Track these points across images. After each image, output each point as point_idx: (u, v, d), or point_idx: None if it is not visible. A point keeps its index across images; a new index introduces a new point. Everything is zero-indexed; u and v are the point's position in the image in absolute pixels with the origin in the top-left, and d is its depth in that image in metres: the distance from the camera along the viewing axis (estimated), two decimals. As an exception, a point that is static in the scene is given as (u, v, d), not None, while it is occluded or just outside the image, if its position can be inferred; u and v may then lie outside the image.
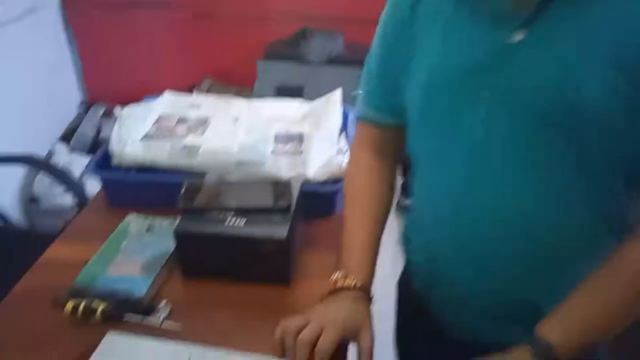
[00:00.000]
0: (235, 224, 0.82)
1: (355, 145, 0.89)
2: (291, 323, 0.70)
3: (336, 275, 0.76)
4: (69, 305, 0.78)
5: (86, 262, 0.87)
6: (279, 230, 0.81)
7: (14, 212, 2.20)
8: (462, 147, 0.68)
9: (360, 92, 0.84)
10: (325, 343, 0.67)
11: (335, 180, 0.99)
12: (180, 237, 0.82)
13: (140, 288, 0.81)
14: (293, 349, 0.68)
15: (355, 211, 0.83)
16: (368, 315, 0.73)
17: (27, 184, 2.33)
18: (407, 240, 0.88)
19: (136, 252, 0.88)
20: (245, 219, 0.82)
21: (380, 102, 0.81)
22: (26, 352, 0.74)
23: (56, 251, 0.94)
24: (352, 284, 0.74)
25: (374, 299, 0.77)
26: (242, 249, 0.82)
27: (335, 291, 0.75)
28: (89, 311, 0.77)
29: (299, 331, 0.69)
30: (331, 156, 1.01)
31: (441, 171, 0.73)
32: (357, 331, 0.70)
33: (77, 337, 0.76)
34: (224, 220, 0.82)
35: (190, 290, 0.84)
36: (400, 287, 0.97)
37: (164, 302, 0.80)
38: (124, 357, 0.71)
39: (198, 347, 0.72)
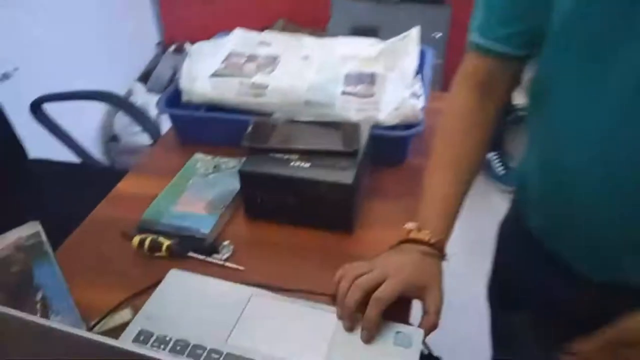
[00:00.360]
0: (300, 166, 0.79)
1: (458, 81, 0.78)
2: (352, 267, 0.68)
3: (410, 225, 0.72)
4: (136, 240, 0.79)
5: (154, 197, 0.88)
6: (345, 175, 0.77)
7: (95, 150, 2.31)
8: (624, 77, 0.58)
9: (475, 18, 0.73)
10: (383, 293, 0.64)
11: (408, 126, 0.93)
12: (244, 177, 0.81)
13: (205, 226, 0.81)
14: (346, 293, 0.66)
15: (443, 158, 0.75)
16: (438, 274, 0.69)
17: (107, 123, 2.43)
18: (521, 178, 0.81)
19: (202, 191, 0.88)
20: (310, 162, 0.80)
21: (505, 28, 0.70)
22: (94, 279, 0.77)
23: (127, 185, 0.96)
24: (426, 238, 0.70)
25: (447, 257, 0.72)
26: (305, 193, 0.79)
27: (406, 242, 0.71)
28: (155, 246, 0.79)
29: (358, 277, 0.66)
30: (404, 99, 0.95)
31: (590, 106, 0.62)
32: (423, 288, 0.66)
33: (143, 271, 0.77)
34: (289, 162, 0.80)
35: (254, 231, 0.84)
36: (506, 229, 0.90)
37: (227, 242, 0.80)
38: (186, 293, 0.72)
39: (258, 289, 0.72)
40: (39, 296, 0.72)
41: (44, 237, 0.83)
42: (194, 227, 0.81)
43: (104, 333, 0.69)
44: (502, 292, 0.92)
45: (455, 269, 0.78)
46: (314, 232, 0.82)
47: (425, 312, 0.66)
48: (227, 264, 0.77)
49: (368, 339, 0.64)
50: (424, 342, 0.66)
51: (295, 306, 0.69)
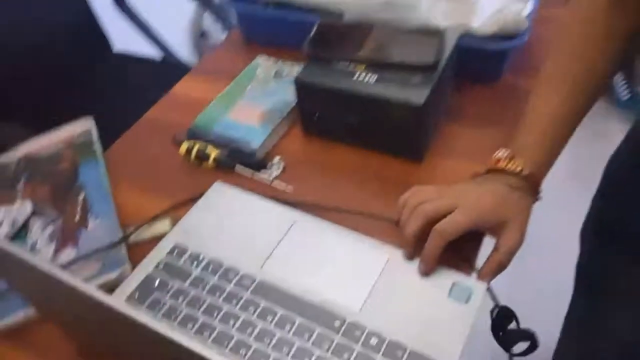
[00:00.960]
0: (366, 80, 0.68)
1: None
2: (420, 191, 0.60)
3: (501, 152, 0.61)
4: (184, 147, 0.74)
5: (210, 101, 0.82)
6: (416, 94, 0.65)
7: (186, 48, 2.30)
8: None
9: None
10: (448, 224, 0.55)
11: (507, 36, 0.78)
12: (300, 87, 0.72)
13: (256, 139, 0.74)
14: (407, 220, 0.57)
15: (558, 71, 0.61)
16: (523, 211, 0.58)
17: (197, 20, 2.39)
18: None
19: (259, 99, 0.80)
20: (378, 75, 0.68)
21: None
22: (138, 185, 0.74)
23: (185, 87, 0.91)
24: (518, 169, 0.58)
25: (540, 196, 0.60)
26: (369, 111, 0.69)
27: (493, 171, 0.60)
28: (202, 156, 0.73)
29: (424, 202, 0.58)
30: (507, 3, 0.78)
31: None
32: (500, 225, 0.56)
33: (188, 181, 0.73)
34: (353, 75, 0.69)
35: (308, 150, 0.75)
36: (617, 163, 0.76)
37: (277, 158, 0.73)
38: (227, 210, 0.67)
39: (304, 215, 0.65)
40: (81, 196, 0.70)
41: (94, 135, 0.81)
42: (245, 139, 0.74)
43: (141, 242, 0.66)
44: (602, 231, 0.78)
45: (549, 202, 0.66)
46: (377, 157, 0.72)
47: (494, 249, 0.56)
48: (275, 183, 0.70)
49: (424, 272, 0.57)
50: (489, 291, 0.57)
51: (342, 238, 0.62)
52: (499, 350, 0.56)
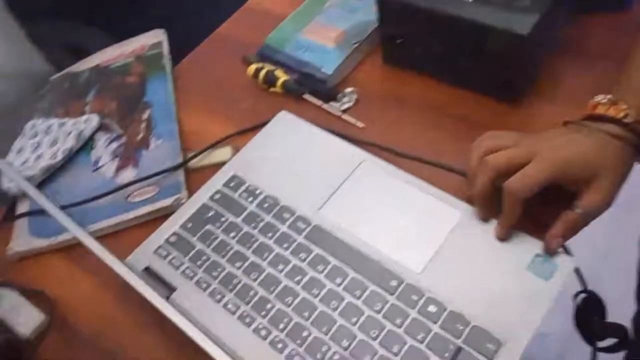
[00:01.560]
0: (462, 0, 0.58)
1: None
2: (491, 137, 0.51)
3: (600, 97, 0.50)
4: (252, 69, 0.70)
5: (286, 17, 0.75)
6: (522, 21, 0.55)
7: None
8: None
9: None
10: (521, 179, 0.47)
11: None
12: (383, 4, 0.63)
13: (330, 64, 0.67)
14: (474, 173, 0.50)
15: None
16: (620, 167, 0.48)
17: None
18: None
19: (338, 18, 0.72)
20: (477, -4, 0.58)
21: None
22: (203, 106, 0.71)
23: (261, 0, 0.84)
24: (620, 115, 0.48)
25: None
26: (462, 38, 0.59)
27: (590, 119, 0.50)
28: (270, 80, 0.68)
29: (494, 150, 0.49)
30: None
31: None
32: (588, 179, 0.47)
33: (254, 105, 0.69)
34: (447, -7, 0.59)
35: (385, 83, 0.68)
36: None
37: (350, 89, 0.66)
38: (290, 143, 0.62)
39: (372, 156, 0.58)
40: (145, 114, 0.69)
41: (165, 49, 0.78)
42: (317, 63, 0.68)
43: (200, 169, 0.64)
44: None
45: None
46: (465, 96, 0.63)
47: (571, 207, 0.48)
48: (345, 116, 0.64)
49: (500, 235, 0.50)
50: (577, 271, 0.49)
51: (412, 188, 0.55)
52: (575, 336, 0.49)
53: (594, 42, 0.65)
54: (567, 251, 0.49)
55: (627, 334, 0.47)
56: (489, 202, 0.50)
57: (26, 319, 0.55)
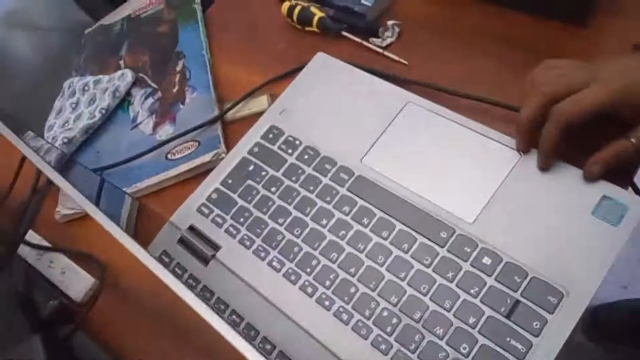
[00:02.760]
0: None
1: None
2: (550, 66, 0.47)
3: None
4: (285, 6, 0.67)
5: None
6: None
7: None
8: None
9: None
10: (572, 101, 0.43)
11: None
12: None
13: (369, -4, 0.63)
14: (524, 100, 0.46)
15: None
16: None
17: None
18: None
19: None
20: None
21: None
22: (237, 53, 0.70)
23: None
24: None
25: None
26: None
27: None
28: (305, 18, 0.65)
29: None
30: None
31: None
32: None
33: (289, 48, 0.67)
34: None
35: (432, 11, 0.63)
36: None
37: (392, 22, 0.62)
38: (329, 88, 0.60)
39: (418, 97, 0.55)
40: (179, 65, 0.68)
41: (195, -8, 0.75)
42: (355, -5, 0.63)
43: (237, 120, 0.63)
44: None
45: None
46: (524, 20, 0.58)
47: (625, 135, 0.44)
48: (387, 53, 0.60)
49: (541, 165, 0.47)
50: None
51: (464, 130, 0.52)
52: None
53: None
54: (637, 191, 0.45)
55: None
56: (533, 132, 0.46)
57: (77, 282, 0.58)
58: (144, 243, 0.59)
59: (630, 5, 0.55)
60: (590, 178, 0.45)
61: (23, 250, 0.60)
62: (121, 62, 0.74)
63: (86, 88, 0.72)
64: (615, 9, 0.55)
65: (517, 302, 0.43)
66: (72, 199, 0.62)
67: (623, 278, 1.14)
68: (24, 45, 1.13)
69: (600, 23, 0.55)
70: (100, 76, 0.72)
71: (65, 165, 0.60)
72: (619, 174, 0.46)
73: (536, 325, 0.42)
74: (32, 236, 0.62)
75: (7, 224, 0.60)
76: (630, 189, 0.46)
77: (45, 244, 0.61)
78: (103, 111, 0.68)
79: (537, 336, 0.42)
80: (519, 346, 0.42)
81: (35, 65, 1.05)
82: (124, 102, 0.70)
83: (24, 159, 0.65)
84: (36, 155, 0.42)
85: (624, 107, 0.43)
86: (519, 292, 0.44)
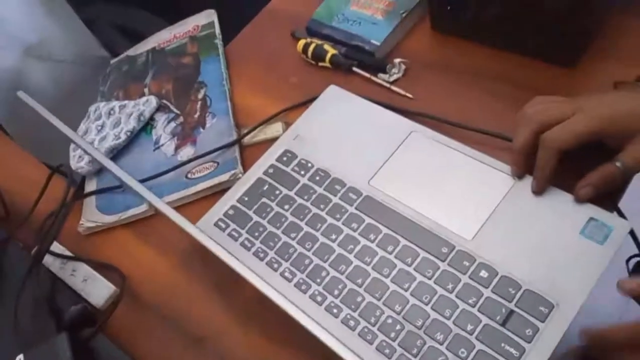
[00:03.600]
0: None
1: None
2: (540, 101, 0.52)
3: None
4: (300, 44, 0.73)
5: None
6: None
7: None
8: None
9: None
10: (560, 130, 0.48)
11: None
12: (430, -26, 0.64)
13: (378, 34, 0.69)
14: (516, 130, 0.51)
15: None
16: None
17: None
18: None
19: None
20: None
21: None
22: (255, 84, 0.75)
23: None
24: None
25: None
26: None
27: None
28: (319, 55, 0.71)
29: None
30: None
31: None
32: (631, 135, 0.48)
33: (304, 81, 0.72)
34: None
35: (435, 51, 0.69)
36: None
37: (399, 60, 0.68)
38: (339, 117, 0.65)
39: (422, 126, 0.60)
40: (201, 94, 0.73)
41: (217, 28, 0.82)
42: (365, 35, 0.70)
43: (254, 145, 0.68)
44: None
45: None
46: (519, 61, 0.63)
47: (611, 160, 0.49)
48: (394, 87, 0.66)
49: (536, 189, 0.52)
50: (634, 237, 0.50)
51: (463, 156, 0.57)
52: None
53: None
54: (621, 214, 0.50)
55: None
56: (527, 158, 0.51)
57: (98, 290, 0.62)
58: (163, 254, 0.63)
59: (614, 52, 0.61)
60: (579, 200, 0.50)
61: (48, 260, 0.64)
62: (146, 90, 0.79)
63: (112, 112, 0.77)
64: (602, 54, 0.61)
65: (512, 311, 0.47)
66: (93, 213, 0.66)
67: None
68: (44, 78, 1.18)
69: (588, 65, 0.61)
70: (126, 101, 0.77)
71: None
72: (605, 199, 0.51)
73: (529, 332, 0.46)
74: (56, 247, 0.65)
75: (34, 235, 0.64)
76: (615, 213, 0.51)
77: (68, 254, 0.65)
78: (128, 133, 0.73)
79: (529, 342, 0.46)
80: (513, 351, 0.46)
81: (52, 96, 1.10)
82: (147, 126, 0.75)
83: (50, 176, 0.70)
84: (98, 152, 0.46)
85: (608, 134, 0.48)
86: (513, 302, 0.48)
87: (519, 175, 0.53)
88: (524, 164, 0.52)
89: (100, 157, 0.47)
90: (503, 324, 0.47)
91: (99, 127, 0.76)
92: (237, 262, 0.44)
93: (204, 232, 0.47)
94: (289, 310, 0.41)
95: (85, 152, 0.56)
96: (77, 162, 0.72)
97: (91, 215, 0.68)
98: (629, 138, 0.48)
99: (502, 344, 0.46)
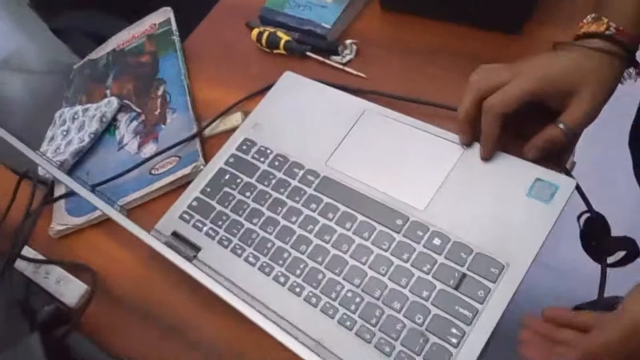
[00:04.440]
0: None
1: None
2: (484, 69, 0.53)
3: (588, 17, 0.52)
4: (254, 33, 0.74)
5: (285, -21, 0.78)
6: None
7: None
8: None
9: None
10: (500, 95, 0.50)
11: None
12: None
13: (328, 18, 0.70)
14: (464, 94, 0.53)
15: None
16: (603, 80, 0.49)
17: None
18: None
19: (334, -29, 0.75)
20: None
21: None
22: (213, 77, 0.76)
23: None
24: (601, 29, 0.50)
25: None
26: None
27: (577, 38, 0.52)
28: (273, 42, 0.72)
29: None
30: None
31: None
32: (569, 94, 0.49)
33: (260, 69, 0.73)
34: None
35: (385, 30, 0.70)
36: None
37: (350, 41, 0.69)
38: (295, 102, 0.66)
39: (374, 105, 0.62)
40: (160, 90, 0.74)
41: (174, 25, 0.82)
42: (316, 20, 0.71)
43: (215, 136, 0.69)
44: None
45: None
46: (465, 31, 0.65)
47: (553, 122, 0.50)
48: (347, 68, 0.67)
49: (483, 155, 0.54)
50: (581, 194, 0.51)
51: (414, 130, 0.58)
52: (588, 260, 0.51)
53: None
54: (567, 173, 0.51)
55: (635, 244, 0.49)
56: (472, 126, 0.53)
57: (71, 290, 0.63)
58: (132, 250, 0.65)
59: (557, 16, 0.62)
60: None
61: (20, 265, 0.65)
62: (107, 91, 0.80)
63: (76, 116, 0.78)
64: (545, 19, 0.62)
65: (464, 275, 0.49)
66: (62, 216, 0.67)
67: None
68: (20, 89, 1.18)
69: (533, 32, 0.62)
70: (89, 105, 0.78)
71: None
72: (552, 159, 0.53)
73: (480, 293, 0.48)
74: (28, 251, 0.67)
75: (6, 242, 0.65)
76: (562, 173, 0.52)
77: (40, 257, 0.66)
78: (92, 135, 0.74)
79: (481, 303, 0.47)
80: (467, 312, 0.47)
81: (29, 106, 1.11)
82: (110, 126, 0.76)
83: (19, 182, 0.71)
84: (48, 164, 0.47)
85: (547, 94, 0.50)
86: (465, 266, 0.49)
87: (466, 142, 0.55)
88: (470, 132, 0.54)
89: (50, 169, 0.48)
90: (456, 288, 0.49)
91: (65, 132, 0.77)
92: (188, 265, 0.46)
93: (154, 237, 0.48)
94: (239, 307, 0.42)
95: (40, 164, 0.58)
96: (44, 170, 0.73)
97: (61, 219, 0.69)
98: (569, 97, 0.49)
99: (456, 307, 0.48)
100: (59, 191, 0.73)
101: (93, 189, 0.69)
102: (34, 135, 0.87)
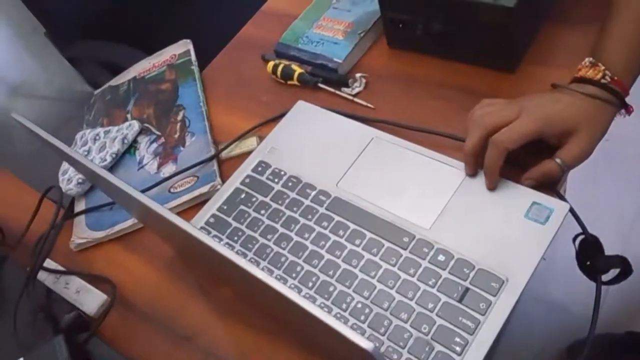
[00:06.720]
0: (452, -17, 0.65)
1: None
2: (486, 104, 0.57)
3: (587, 60, 0.56)
4: (270, 66, 0.78)
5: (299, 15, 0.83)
6: (507, -4, 0.61)
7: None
8: None
9: None
10: (507, 132, 0.53)
11: None
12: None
13: (340, 53, 0.75)
14: (469, 129, 0.57)
15: None
16: (598, 122, 0.54)
17: None
18: None
19: (344, 11, 0.80)
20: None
21: None
22: (230, 104, 0.80)
23: (276, 2, 0.92)
24: (597, 77, 0.54)
25: (630, 108, 0.56)
26: (456, 16, 0.66)
27: (574, 81, 0.57)
28: (287, 74, 0.76)
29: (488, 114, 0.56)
30: None
31: None
32: (567, 133, 0.53)
33: (275, 98, 0.77)
34: (438, -24, 0.66)
35: (392, 65, 0.75)
36: None
37: (359, 75, 0.73)
38: (308, 128, 0.70)
39: (382, 132, 0.66)
40: (180, 116, 0.78)
41: (193, 56, 0.87)
42: (328, 54, 0.75)
43: (231, 158, 0.73)
44: None
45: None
46: (465, 69, 0.69)
47: (552, 157, 0.54)
48: (357, 99, 0.71)
49: (487, 186, 0.57)
50: (575, 217, 0.55)
51: (419, 156, 0.62)
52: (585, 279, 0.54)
53: (590, 8, 0.70)
54: (561, 197, 0.55)
55: (628, 263, 0.52)
56: (478, 158, 0.56)
57: (91, 300, 0.65)
58: (151, 263, 0.67)
59: (549, 57, 0.67)
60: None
61: (42, 275, 0.67)
62: (128, 115, 0.84)
63: (97, 137, 0.81)
64: (538, 60, 0.67)
65: (467, 289, 0.52)
66: (83, 230, 0.70)
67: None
68: (31, 115, 1.21)
69: (526, 70, 0.67)
70: (110, 127, 0.82)
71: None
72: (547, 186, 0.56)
73: (482, 306, 0.50)
74: (49, 263, 0.69)
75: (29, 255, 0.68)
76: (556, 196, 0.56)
77: (61, 268, 0.69)
78: (113, 155, 0.77)
79: (483, 314, 0.50)
80: (469, 323, 0.50)
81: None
82: (131, 148, 0.79)
83: (42, 199, 0.74)
84: (86, 159, 0.49)
85: (548, 133, 0.54)
86: (468, 281, 0.52)
87: (472, 174, 0.58)
88: (475, 164, 0.57)
89: (93, 167, 0.51)
90: (460, 300, 0.51)
91: (86, 152, 0.80)
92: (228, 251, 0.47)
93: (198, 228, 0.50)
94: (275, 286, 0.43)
95: (76, 166, 0.60)
96: (67, 185, 0.76)
97: (81, 233, 0.72)
98: (567, 136, 0.53)
99: (460, 318, 0.50)
100: (78, 207, 0.76)
101: (112, 204, 0.73)
102: (48, 159, 0.90)
